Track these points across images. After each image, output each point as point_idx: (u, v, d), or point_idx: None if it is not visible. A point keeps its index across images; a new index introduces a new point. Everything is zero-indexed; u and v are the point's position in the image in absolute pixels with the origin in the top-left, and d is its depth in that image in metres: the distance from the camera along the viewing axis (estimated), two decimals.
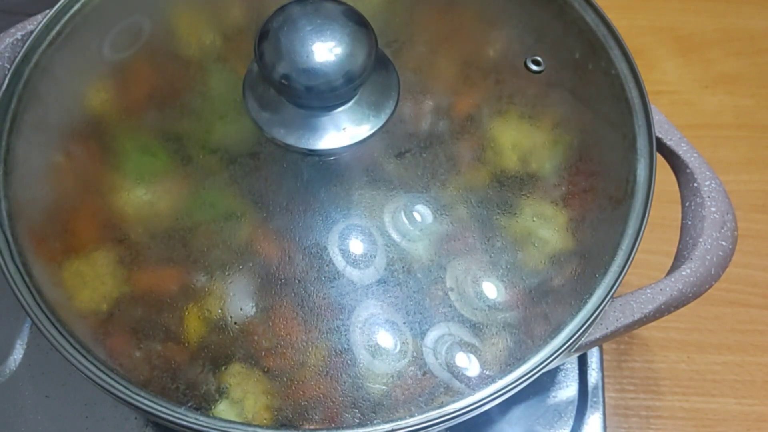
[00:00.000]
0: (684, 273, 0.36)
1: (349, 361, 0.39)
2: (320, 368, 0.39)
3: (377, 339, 0.37)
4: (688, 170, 0.39)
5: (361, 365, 0.37)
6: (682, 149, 0.40)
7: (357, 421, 0.37)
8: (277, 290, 0.40)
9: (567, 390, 0.45)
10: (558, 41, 0.44)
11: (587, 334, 0.35)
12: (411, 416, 0.37)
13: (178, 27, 0.48)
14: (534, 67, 0.45)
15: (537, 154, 0.42)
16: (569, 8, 0.45)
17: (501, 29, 0.45)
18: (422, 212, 0.40)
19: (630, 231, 0.38)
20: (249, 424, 0.36)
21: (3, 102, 0.41)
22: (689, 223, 0.38)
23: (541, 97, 0.46)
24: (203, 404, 0.37)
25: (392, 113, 0.41)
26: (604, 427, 0.44)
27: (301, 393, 0.38)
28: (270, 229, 0.42)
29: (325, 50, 0.35)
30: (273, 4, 0.44)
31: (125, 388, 0.33)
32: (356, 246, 0.39)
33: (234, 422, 0.36)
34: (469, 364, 0.38)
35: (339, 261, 0.41)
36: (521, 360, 0.37)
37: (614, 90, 0.42)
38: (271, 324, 0.39)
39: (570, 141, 0.45)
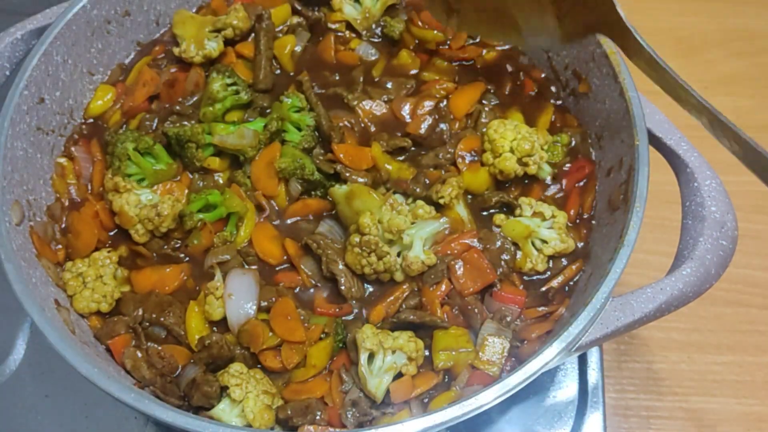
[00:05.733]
0: (684, 272, 0.36)
1: (349, 361, 0.39)
2: (320, 368, 0.39)
3: (377, 338, 0.37)
4: (688, 170, 0.39)
5: (362, 365, 0.37)
6: (682, 149, 0.40)
7: (357, 421, 0.37)
8: (277, 290, 0.40)
9: (567, 390, 0.45)
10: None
11: (587, 334, 0.35)
12: (411, 416, 0.37)
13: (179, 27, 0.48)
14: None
15: (536, 155, 0.42)
16: None
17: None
18: (422, 212, 0.40)
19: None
20: (249, 425, 0.36)
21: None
22: (689, 222, 0.38)
23: (541, 98, 0.46)
24: (203, 404, 0.37)
25: None
26: (604, 427, 0.44)
27: (301, 393, 0.38)
28: (270, 229, 0.42)
29: None
30: (273, 4, 0.44)
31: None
32: (356, 245, 0.39)
33: (233, 423, 0.36)
34: (469, 365, 0.38)
35: (339, 261, 0.40)
36: (521, 360, 0.37)
37: (614, 90, 0.42)
38: (271, 324, 0.39)
39: (570, 141, 0.45)
